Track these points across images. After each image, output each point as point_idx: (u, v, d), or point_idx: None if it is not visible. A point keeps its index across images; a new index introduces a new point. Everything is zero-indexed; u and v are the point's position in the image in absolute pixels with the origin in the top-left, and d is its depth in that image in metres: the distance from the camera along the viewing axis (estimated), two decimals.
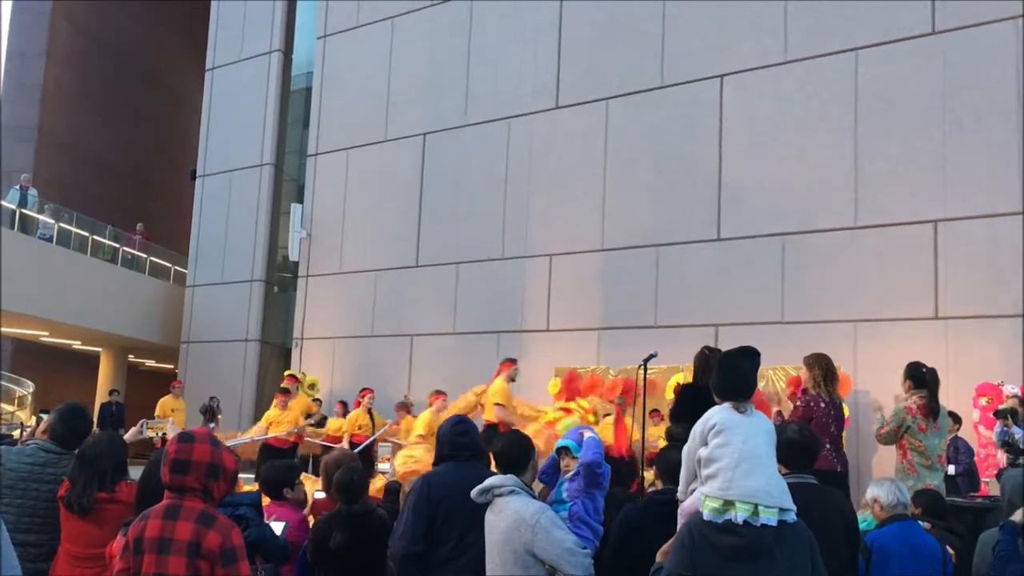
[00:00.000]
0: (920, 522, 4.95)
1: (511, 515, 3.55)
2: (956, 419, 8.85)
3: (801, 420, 5.67)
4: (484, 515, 3.80)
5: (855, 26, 11.13)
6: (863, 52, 11.03)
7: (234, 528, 3.14)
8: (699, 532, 3.13)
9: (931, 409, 6.09)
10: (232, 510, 4.22)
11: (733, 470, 3.12)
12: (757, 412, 3.37)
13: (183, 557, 2.99)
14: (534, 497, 3.84)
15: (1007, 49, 10.10)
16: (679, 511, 3.48)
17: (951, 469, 8.28)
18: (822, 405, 5.93)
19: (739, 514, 3.04)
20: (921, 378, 6.27)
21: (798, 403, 5.97)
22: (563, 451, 4.22)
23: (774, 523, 3.06)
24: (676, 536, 3.29)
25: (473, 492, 3.68)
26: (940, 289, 10.17)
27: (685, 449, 3.46)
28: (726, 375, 3.42)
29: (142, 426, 5.35)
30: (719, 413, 3.31)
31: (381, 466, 11.14)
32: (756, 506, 3.05)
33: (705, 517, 3.12)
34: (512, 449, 3.85)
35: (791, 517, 3.13)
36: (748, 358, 3.44)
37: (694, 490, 3.37)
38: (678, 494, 3.56)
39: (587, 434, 4.22)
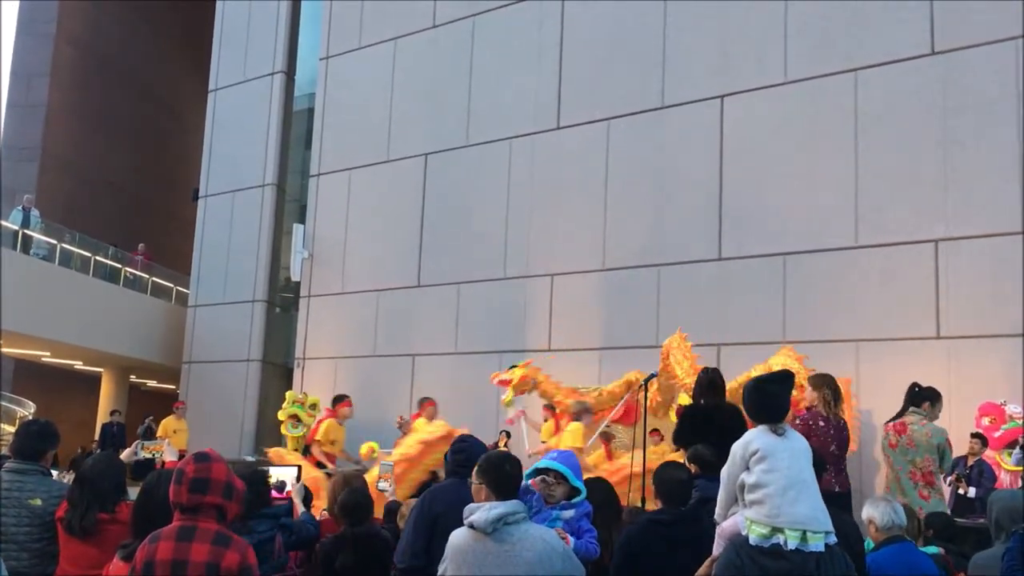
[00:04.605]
0: (933, 546, 4.92)
1: (539, 544, 3.27)
2: (984, 442, 8.81)
3: None
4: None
5: (855, 47, 11.18)
6: (863, 72, 11.07)
7: (249, 548, 3.15)
8: (747, 554, 3.17)
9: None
10: (274, 522, 4.35)
11: (781, 497, 3.17)
12: (794, 432, 3.43)
13: None
14: None
15: (1007, 69, 10.13)
16: (718, 532, 3.51)
17: (971, 492, 8.19)
18: (820, 424, 5.91)
19: (790, 541, 3.10)
20: (914, 396, 6.33)
21: (797, 420, 5.95)
22: (549, 472, 4.10)
23: (822, 549, 3.12)
24: (722, 558, 3.33)
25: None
26: (942, 308, 10.16)
27: (725, 472, 3.48)
28: (761, 401, 3.48)
29: (137, 446, 5.37)
30: (760, 437, 3.35)
31: (381, 484, 11.09)
32: (804, 532, 3.11)
33: (751, 542, 3.16)
34: (520, 474, 3.61)
35: (833, 539, 3.19)
36: (782, 384, 3.51)
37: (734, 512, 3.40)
38: (716, 516, 3.58)
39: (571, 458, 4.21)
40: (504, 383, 10.61)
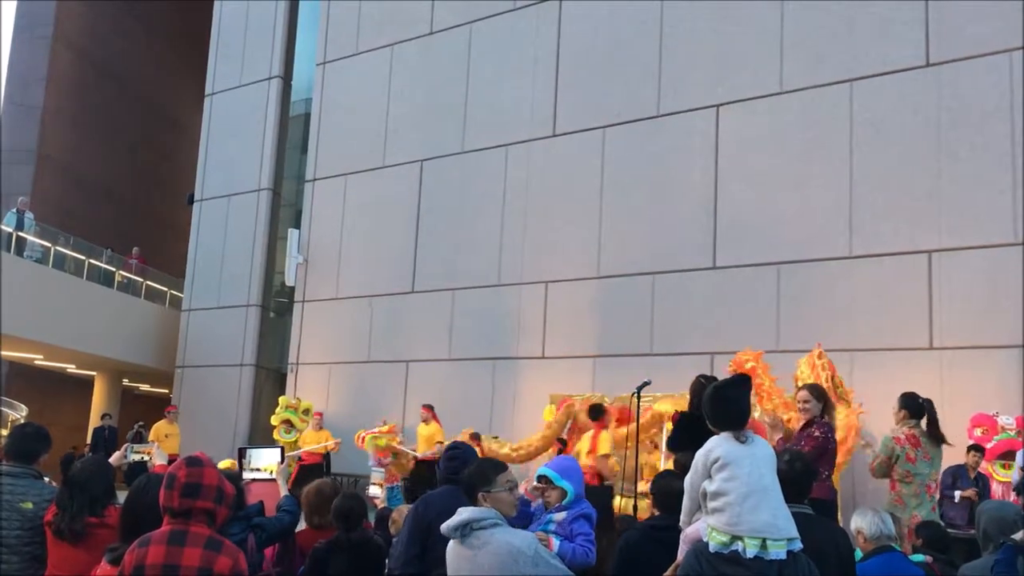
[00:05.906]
0: (922, 555, 4.91)
1: (502, 547, 3.31)
2: (981, 452, 8.80)
3: (816, 450, 5.64)
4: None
5: (850, 58, 11.22)
6: (858, 83, 11.11)
7: (240, 553, 3.13)
8: (707, 561, 3.17)
9: (932, 437, 6.13)
10: (246, 523, 4.33)
11: (740, 505, 3.16)
12: (756, 438, 3.40)
13: None
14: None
15: (1001, 81, 10.17)
16: (682, 537, 3.51)
17: None
18: (833, 435, 5.92)
19: (748, 549, 3.09)
20: (918, 408, 6.28)
21: (816, 433, 5.89)
22: (541, 479, 4.11)
23: (783, 556, 3.11)
24: (684, 563, 3.33)
25: (447, 529, 3.42)
26: (935, 319, 10.18)
27: (688, 480, 3.48)
28: (720, 407, 3.45)
29: (127, 450, 5.32)
30: (722, 445, 3.34)
31: (372, 490, 11.09)
32: (764, 540, 3.10)
33: (711, 549, 3.16)
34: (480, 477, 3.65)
35: (797, 546, 3.18)
36: (739, 388, 3.47)
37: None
38: (680, 523, 3.58)
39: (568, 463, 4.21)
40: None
